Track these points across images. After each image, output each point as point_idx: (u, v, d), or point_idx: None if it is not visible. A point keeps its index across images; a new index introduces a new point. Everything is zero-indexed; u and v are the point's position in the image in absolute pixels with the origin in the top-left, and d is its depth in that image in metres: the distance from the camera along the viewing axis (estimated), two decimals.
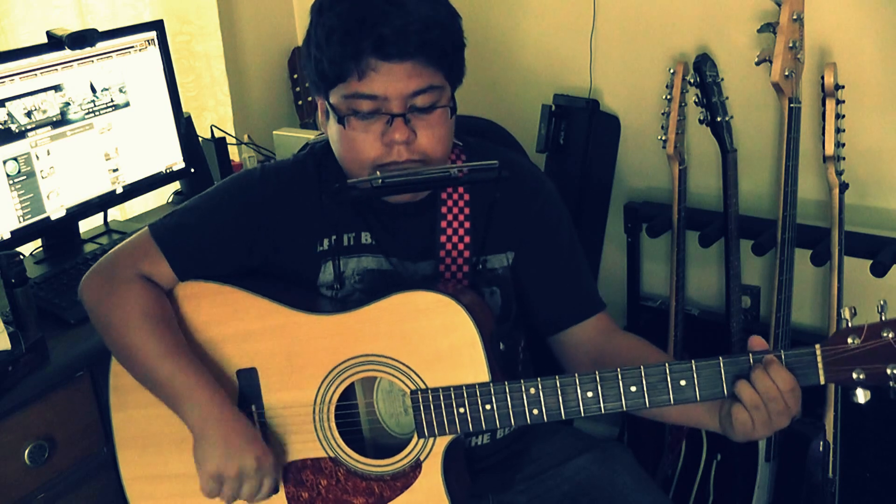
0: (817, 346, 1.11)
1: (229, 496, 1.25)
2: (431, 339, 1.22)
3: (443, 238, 1.35)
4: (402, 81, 1.21)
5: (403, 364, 1.23)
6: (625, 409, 1.17)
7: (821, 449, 1.87)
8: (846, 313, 1.11)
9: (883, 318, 1.08)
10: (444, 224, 1.35)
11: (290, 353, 1.28)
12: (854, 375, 1.09)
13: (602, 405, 1.17)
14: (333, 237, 1.34)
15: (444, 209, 1.35)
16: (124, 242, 1.37)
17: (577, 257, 1.42)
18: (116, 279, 1.31)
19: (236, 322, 1.30)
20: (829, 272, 1.85)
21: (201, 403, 1.24)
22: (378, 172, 1.24)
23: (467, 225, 1.35)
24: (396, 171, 1.24)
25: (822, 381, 1.12)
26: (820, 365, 1.11)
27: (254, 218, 1.34)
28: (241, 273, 1.34)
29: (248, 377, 1.30)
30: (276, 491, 1.29)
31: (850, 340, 1.09)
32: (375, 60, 1.19)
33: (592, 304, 1.40)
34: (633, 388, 1.16)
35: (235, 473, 1.23)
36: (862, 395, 1.10)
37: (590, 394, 1.17)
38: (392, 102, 1.22)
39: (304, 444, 1.29)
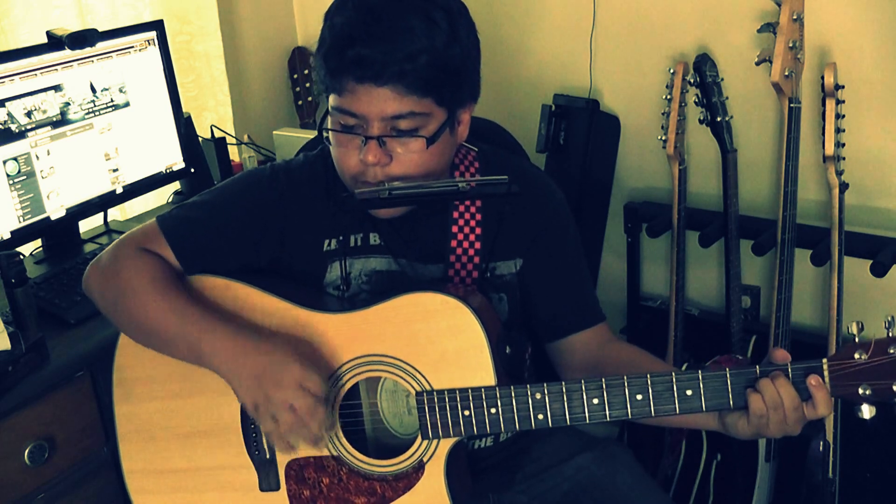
0: (824, 360, 1.10)
1: (272, 428, 1.19)
2: (438, 341, 1.21)
3: (454, 243, 1.34)
4: (380, 104, 1.19)
5: (409, 365, 1.23)
6: (630, 417, 1.17)
7: (821, 449, 1.87)
8: (853, 328, 1.10)
9: (890, 335, 1.08)
10: (455, 229, 1.34)
11: (296, 351, 1.27)
12: (860, 391, 1.08)
13: (607, 412, 1.17)
14: (340, 237, 1.34)
15: (455, 214, 1.35)
16: (129, 231, 1.35)
17: (582, 267, 1.42)
18: (119, 259, 1.31)
19: (242, 318, 1.29)
20: (829, 272, 1.85)
21: (225, 345, 1.21)
22: (386, 184, 1.23)
23: (478, 231, 1.35)
24: (404, 184, 1.23)
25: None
26: (826, 379, 1.10)
27: (261, 216, 1.33)
28: (247, 271, 1.33)
29: None
30: (331, 427, 1.24)
31: (857, 356, 1.08)
32: (352, 82, 1.19)
33: (594, 314, 1.40)
34: (639, 397, 1.16)
35: (273, 394, 1.17)
36: (867, 411, 1.09)
37: (595, 401, 1.17)
38: (370, 123, 1.21)
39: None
